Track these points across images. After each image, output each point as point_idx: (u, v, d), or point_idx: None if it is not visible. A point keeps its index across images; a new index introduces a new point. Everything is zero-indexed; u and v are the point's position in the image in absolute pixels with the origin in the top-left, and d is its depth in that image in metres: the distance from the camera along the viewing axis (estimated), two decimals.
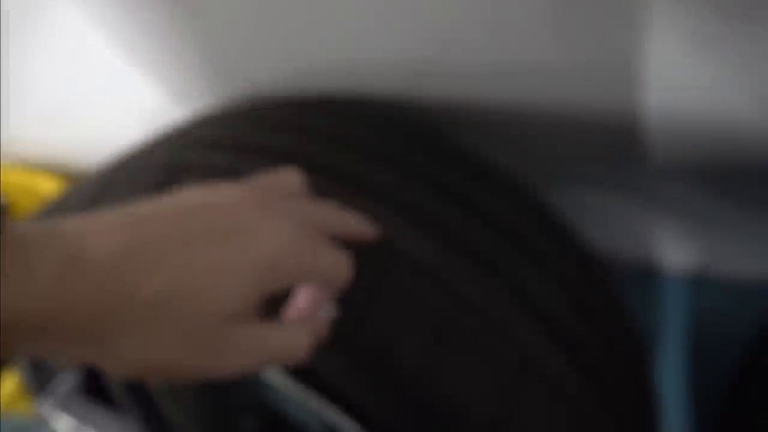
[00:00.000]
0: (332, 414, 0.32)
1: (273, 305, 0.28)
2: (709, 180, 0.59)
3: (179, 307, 0.22)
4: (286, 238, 0.25)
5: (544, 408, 0.33)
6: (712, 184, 0.59)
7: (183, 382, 0.25)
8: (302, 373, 0.32)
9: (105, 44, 0.56)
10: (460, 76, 0.49)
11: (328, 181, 0.37)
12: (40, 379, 0.57)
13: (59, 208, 0.43)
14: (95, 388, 0.60)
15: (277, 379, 0.32)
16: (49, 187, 0.78)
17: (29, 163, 0.80)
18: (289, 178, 0.30)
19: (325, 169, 0.38)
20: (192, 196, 0.25)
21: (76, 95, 0.66)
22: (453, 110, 0.53)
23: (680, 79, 0.43)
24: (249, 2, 0.47)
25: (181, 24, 0.51)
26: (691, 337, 0.78)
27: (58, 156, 0.78)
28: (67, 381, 0.60)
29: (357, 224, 0.32)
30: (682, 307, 0.80)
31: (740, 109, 0.45)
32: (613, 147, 0.57)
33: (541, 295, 0.38)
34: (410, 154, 0.43)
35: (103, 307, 0.20)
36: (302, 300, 0.29)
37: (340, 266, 0.28)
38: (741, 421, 0.53)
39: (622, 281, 0.82)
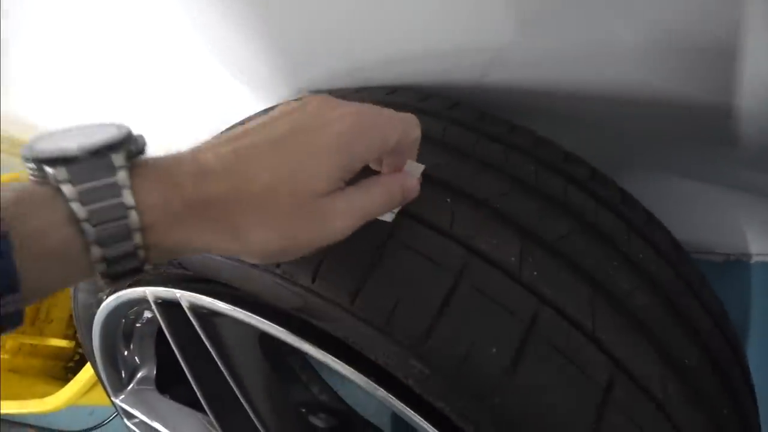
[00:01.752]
0: (410, 417, 0.33)
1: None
2: None
3: (280, 191, 0.27)
4: (349, 120, 0.30)
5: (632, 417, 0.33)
6: None
7: (304, 255, 0.29)
8: (382, 376, 0.33)
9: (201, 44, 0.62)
10: (541, 61, 0.48)
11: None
12: (114, 374, 0.62)
13: None
14: (166, 385, 0.64)
15: (358, 378, 0.34)
16: None
17: None
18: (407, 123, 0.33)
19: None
20: (279, 109, 0.31)
21: (174, 87, 0.75)
22: (530, 97, 0.52)
23: None
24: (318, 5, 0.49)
25: (262, 27, 0.55)
26: None
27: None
28: (139, 377, 0.65)
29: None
30: None
31: None
32: (704, 133, 0.55)
33: (635, 303, 0.37)
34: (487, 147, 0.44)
35: (228, 202, 0.26)
36: (386, 166, 0.34)
37: (405, 123, 0.32)
38: None
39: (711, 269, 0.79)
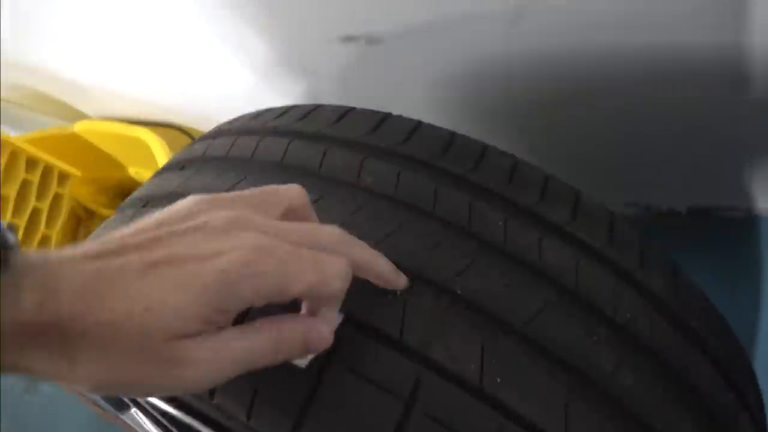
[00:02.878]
0: None
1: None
2: None
3: (127, 327, 0.24)
4: (243, 257, 0.25)
5: None
6: None
7: (156, 396, 0.27)
8: None
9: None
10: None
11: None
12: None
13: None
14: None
15: None
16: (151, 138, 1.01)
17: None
18: (289, 194, 0.30)
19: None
20: (170, 217, 0.28)
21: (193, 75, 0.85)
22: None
23: None
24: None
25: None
26: None
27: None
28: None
29: (367, 251, 0.31)
30: None
31: None
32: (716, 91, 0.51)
33: (619, 384, 0.33)
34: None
35: (72, 329, 0.23)
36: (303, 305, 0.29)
37: (324, 275, 0.27)
38: None
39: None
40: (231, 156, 0.44)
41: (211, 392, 0.32)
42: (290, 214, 0.30)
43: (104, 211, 1.28)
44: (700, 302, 0.41)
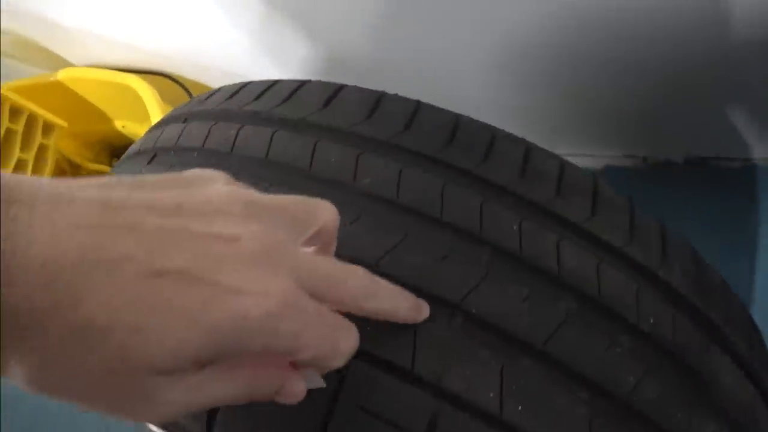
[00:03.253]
0: None
1: None
2: None
3: (105, 345, 0.19)
4: (273, 308, 0.21)
5: None
6: None
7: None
8: None
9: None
10: None
11: None
12: None
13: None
14: None
15: None
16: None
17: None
18: (325, 215, 0.26)
19: None
20: (193, 204, 0.22)
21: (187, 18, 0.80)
22: None
23: None
24: None
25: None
26: None
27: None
28: None
29: (387, 299, 0.27)
30: None
31: None
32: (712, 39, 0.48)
33: (643, 399, 0.31)
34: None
35: (27, 320, 0.18)
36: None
37: (338, 351, 0.24)
38: None
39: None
40: (208, 148, 0.39)
41: (209, 426, 0.29)
42: (318, 235, 0.27)
43: (90, 166, 1.23)
44: (721, 292, 0.39)
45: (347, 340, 0.25)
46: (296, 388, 0.25)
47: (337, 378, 0.28)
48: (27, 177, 0.20)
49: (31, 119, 1.07)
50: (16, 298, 0.18)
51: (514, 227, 0.33)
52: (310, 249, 0.28)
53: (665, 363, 0.33)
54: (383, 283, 0.27)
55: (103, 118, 1.17)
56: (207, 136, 0.40)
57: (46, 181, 0.20)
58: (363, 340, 0.29)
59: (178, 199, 0.22)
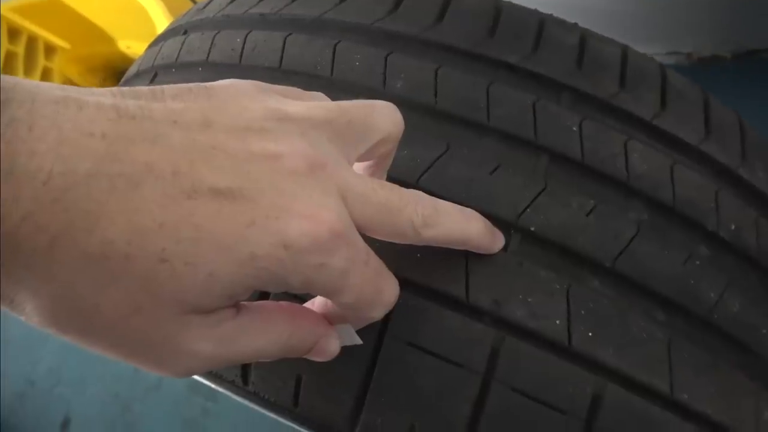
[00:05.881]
0: None
1: None
2: None
3: (126, 275, 0.16)
4: (322, 236, 0.18)
5: None
6: None
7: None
8: None
9: None
10: None
11: None
12: None
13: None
14: None
15: None
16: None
17: None
18: (386, 124, 0.22)
19: None
20: (224, 118, 0.18)
21: None
22: None
23: None
24: None
25: None
26: None
27: None
28: None
29: (454, 225, 0.23)
30: None
31: None
32: None
33: (724, 316, 0.27)
34: None
35: (32, 245, 0.15)
36: (319, 305, 0.22)
37: (381, 301, 0.21)
38: None
39: None
40: (213, 61, 0.34)
41: (245, 378, 0.27)
42: (376, 147, 0.23)
43: None
44: None
45: (390, 290, 0.22)
46: (331, 346, 0.22)
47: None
48: (26, 80, 0.16)
49: (32, 41, 1.02)
50: (16, 218, 0.14)
51: (574, 128, 0.28)
52: (366, 164, 0.24)
53: (749, 274, 0.30)
54: (449, 207, 0.23)
55: (106, 38, 1.10)
56: (211, 48, 0.35)
57: (47, 84, 0.16)
58: (409, 270, 0.25)
59: (206, 114, 0.18)
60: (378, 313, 0.22)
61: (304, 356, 0.22)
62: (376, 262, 0.21)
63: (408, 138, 0.28)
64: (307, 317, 0.21)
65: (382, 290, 0.21)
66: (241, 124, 0.19)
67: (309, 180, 0.19)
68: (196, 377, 0.28)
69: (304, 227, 0.18)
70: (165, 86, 0.19)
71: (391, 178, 0.26)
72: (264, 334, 0.20)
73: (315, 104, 0.21)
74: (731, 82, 0.78)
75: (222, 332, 0.18)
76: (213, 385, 0.28)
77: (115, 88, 0.18)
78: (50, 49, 1.06)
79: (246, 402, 0.28)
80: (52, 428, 1.21)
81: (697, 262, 0.28)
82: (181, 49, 0.37)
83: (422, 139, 0.28)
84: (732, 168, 0.31)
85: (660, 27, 0.72)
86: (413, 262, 0.25)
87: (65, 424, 1.22)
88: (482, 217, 0.25)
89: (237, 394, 0.27)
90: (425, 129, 0.28)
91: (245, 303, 0.20)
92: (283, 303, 0.21)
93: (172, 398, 1.14)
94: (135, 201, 0.16)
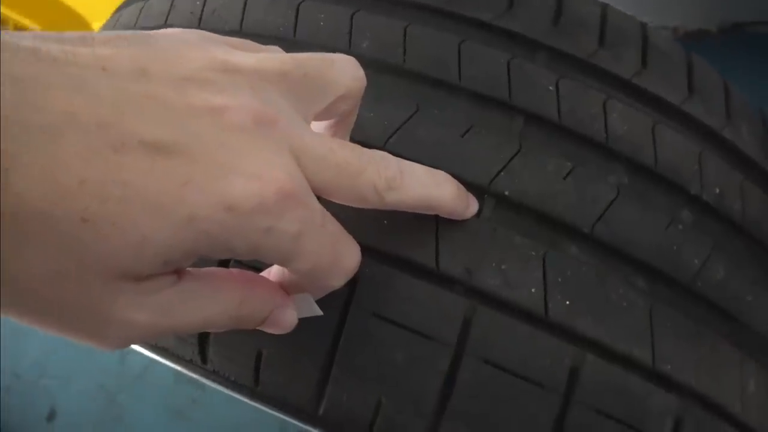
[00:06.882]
0: None
1: None
2: None
3: (47, 238, 0.14)
4: (271, 196, 0.16)
5: None
6: None
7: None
8: None
9: None
10: None
11: None
12: None
13: None
14: None
15: None
16: None
17: None
18: (345, 78, 0.21)
19: None
20: (167, 66, 0.16)
21: None
22: None
23: None
24: None
25: None
26: None
27: None
28: None
29: (422, 189, 0.22)
30: None
31: None
32: None
33: (708, 284, 0.26)
34: None
35: None
36: (275, 274, 0.21)
37: (341, 268, 0.20)
38: None
39: None
40: (172, 24, 0.32)
41: (203, 356, 0.25)
42: (337, 103, 0.21)
43: None
44: None
45: (350, 257, 0.20)
46: (287, 317, 0.20)
47: (347, 284, 0.23)
48: None
49: (2, 23, 0.99)
50: None
51: (550, 88, 0.27)
52: (327, 123, 0.22)
53: (733, 239, 0.28)
54: (417, 169, 0.22)
55: (79, 20, 1.06)
56: (169, 12, 0.33)
57: None
58: (375, 236, 0.24)
59: (141, 61, 0.16)
60: (337, 282, 0.20)
61: (259, 328, 0.20)
62: (333, 225, 0.19)
63: (375, 99, 0.26)
64: (261, 285, 0.20)
65: (341, 256, 0.20)
66: (181, 74, 0.17)
67: (257, 137, 0.17)
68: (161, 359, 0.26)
69: (249, 187, 0.16)
70: (98, 33, 0.17)
71: (357, 141, 0.25)
72: (211, 303, 0.18)
73: (267, 55, 0.19)
74: (718, 56, 0.77)
75: (160, 300, 0.17)
76: (172, 364, 0.27)
77: (37, 32, 0.16)
78: (21, 31, 1.04)
79: (208, 381, 0.27)
80: (38, 421, 1.20)
81: (680, 227, 0.27)
82: (140, 14, 0.35)
83: (390, 100, 0.26)
84: (716, 129, 0.29)
85: (646, 1, 0.71)
86: (379, 228, 0.24)
87: (51, 416, 1.21)
88: (454, 180, 0.23)
89: (197, 373, 0.26)
90: (394, 89, 0.27)
91: (191, 269, 0.18)
92: (234, 270, 0.20)
93: (158, 389, 1.12)
94: (52, 154, 0.14)
